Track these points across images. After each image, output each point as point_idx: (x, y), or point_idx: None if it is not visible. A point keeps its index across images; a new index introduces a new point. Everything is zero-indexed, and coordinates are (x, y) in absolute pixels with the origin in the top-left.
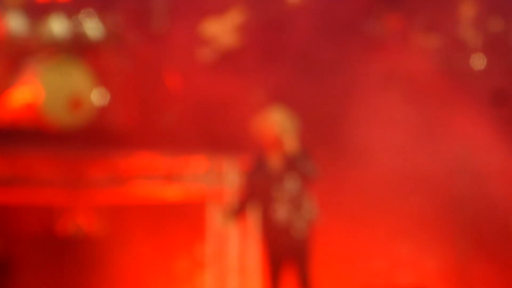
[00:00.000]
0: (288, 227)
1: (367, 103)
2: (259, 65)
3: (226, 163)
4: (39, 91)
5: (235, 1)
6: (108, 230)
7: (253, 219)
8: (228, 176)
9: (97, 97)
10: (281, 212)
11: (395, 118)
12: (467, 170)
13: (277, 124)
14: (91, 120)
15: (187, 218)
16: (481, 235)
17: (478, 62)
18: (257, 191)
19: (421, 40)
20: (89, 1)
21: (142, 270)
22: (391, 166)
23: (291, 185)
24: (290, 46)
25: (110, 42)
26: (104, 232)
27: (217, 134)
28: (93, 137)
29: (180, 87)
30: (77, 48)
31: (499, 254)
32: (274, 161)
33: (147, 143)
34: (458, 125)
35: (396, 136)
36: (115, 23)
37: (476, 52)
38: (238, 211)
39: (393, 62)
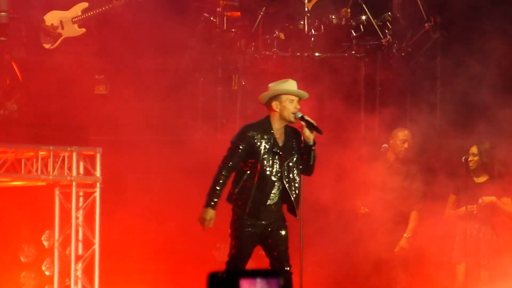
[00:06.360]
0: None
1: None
2: (100, 53)
3: (71, 153)
4: None
5: None
6: None
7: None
8: (74, 166)
9: None
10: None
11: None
12: None
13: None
14: None
15: (34, 205)
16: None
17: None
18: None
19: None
20: None
21: None
22: None
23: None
24: (130, 35)
25: None
26: None
27: (62, 123)
28: None
29: (23, 76)
30: None
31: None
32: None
33: None
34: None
35: None
36: None
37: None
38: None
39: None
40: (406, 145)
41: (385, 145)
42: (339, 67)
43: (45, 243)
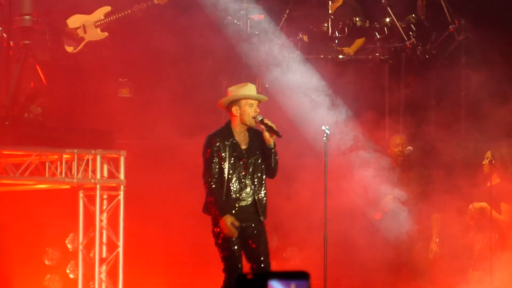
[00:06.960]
0: (254, 206)
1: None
2: (123, 57)
3: (95, 156)
4: None
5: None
6: None
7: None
8: (98, 169)
9: None
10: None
11: None
12: None
13: (254, 99)
14: None
15: (59, 208)
16: None
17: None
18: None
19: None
20: None
21: (13, 258)
22: None
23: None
24: (153, 38)
25: None
26: None
27: (85, 126)
28: None
29: (47, 79)
30: None
31: None
32: (243, 138)
33: (15, 137)
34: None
35: None
36: None
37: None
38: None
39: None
40: (401, 149)
41: (409, 147)
42: (363, 69)
43: (69, 246)
